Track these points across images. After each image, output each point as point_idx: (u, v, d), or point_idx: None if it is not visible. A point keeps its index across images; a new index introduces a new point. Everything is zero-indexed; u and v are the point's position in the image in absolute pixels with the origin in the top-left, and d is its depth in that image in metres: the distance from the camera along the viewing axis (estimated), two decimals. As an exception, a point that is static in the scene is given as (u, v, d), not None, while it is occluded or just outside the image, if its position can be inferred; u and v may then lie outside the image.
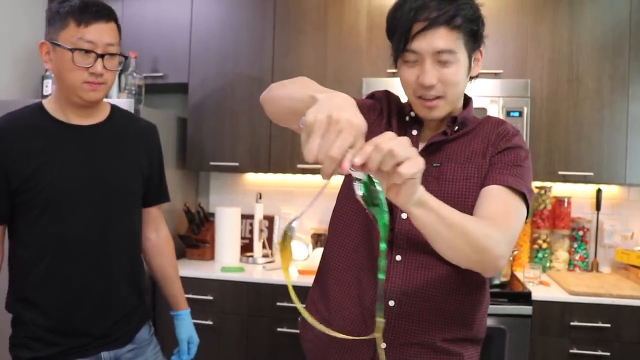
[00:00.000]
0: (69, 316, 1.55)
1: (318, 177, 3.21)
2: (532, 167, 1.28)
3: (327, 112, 0.85)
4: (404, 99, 1.37)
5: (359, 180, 0.86)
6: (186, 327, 1.89)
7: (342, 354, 1.33)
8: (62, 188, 1.52)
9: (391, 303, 1.26)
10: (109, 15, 1.53)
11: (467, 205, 1.22)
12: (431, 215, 0.95)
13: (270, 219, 3.42)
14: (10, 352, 1.58)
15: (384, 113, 1.37)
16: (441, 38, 1.16)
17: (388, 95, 1.41)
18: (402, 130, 1.32)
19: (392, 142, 0.84)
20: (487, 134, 1.29)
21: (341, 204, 1.44)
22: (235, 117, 3.19)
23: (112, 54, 1.53)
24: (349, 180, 1.26)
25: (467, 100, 1.35)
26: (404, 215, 1.25)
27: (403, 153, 0.84)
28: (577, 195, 3.15)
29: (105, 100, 1.67)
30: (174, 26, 3.26)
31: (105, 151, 1.62)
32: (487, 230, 1.05)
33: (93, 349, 1.58)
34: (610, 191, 3.14)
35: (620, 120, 2.81)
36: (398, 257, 1.27)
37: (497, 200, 1.17)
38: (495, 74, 2.85)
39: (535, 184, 3.13)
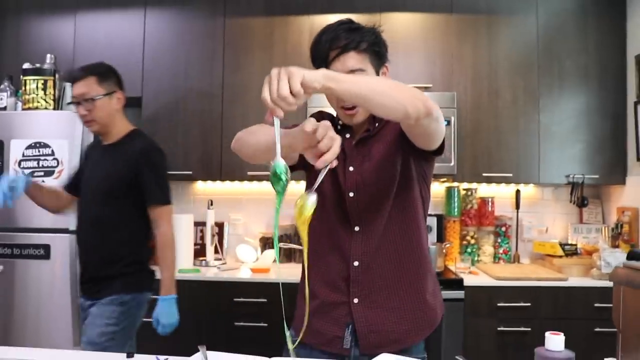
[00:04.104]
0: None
1: (267, 184, 3.43)
2: None
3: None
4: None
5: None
6: (158, 309, 2.24)
7: (323, 316, 1.58)
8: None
9: (355, 263, 1.55)
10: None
11: (392, 168, 1.54)
12: (346, 82, 1.17)
13: (220, 226, 3.59)
14: None
15: None
16: (352, 60, 1.47)
17: (321, 113, 1.73)
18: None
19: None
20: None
21: None
22: (187, 129, 3.38)
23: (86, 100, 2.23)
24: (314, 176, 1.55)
25: None
26: (351, 194, 1.56)
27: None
28: (500, 195, 3.56)
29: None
30: (126, 43, 3.43)
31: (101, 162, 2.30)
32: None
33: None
34: (527, 192, 3.56)
35: (533, 128, 3.24)
36: (356, 228, 1.56)
37: None
38: (425, 87, 3.22)
39: (462, 185, 3.51)
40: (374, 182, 1.55)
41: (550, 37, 3.27)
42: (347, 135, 1.61)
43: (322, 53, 1.49)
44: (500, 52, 3.29)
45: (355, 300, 1.54)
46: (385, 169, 1.55)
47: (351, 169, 1.57)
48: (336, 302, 1.56)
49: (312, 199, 1.18)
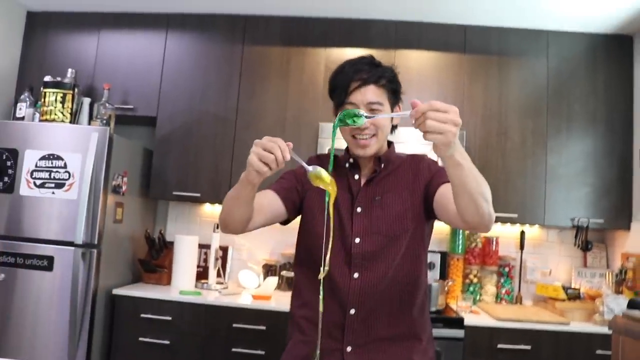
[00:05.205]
0: None
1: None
2: None
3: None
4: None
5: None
6: None
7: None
8: None
9: (352, 311, 1.54)
10: None
11: (405, 222, 1.57)
12: (463, 173, 1.23)
13: (224, 249, 3.61)
14: None
15: None
16: (371, 93, 1.53)
17: (318, 157, 1.76)
18: (344, 177, 1.64)
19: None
20: (414, 168, 1.65)
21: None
22: (199, 152, 3.43)
23: None
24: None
25: (390, 144, 1.72)
26: (357, 240, 1.56)
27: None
28: (504, 235, 3.56)
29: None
30: (146, 62, 3.52)
31: None
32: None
33: None
34: (532, 233, 3.57)
35: (540, 169, 3.26)
36: (355, 275, 1.56)
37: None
38: (436, 124, 3.25)
39: (468, 224, 3.51)
40: (384, 233, 1.56)
41: (560, 80, 3.33)
42: (356, 177, 1.64)
43: (345, 82, 1.54)
44: (511, 93, 3.34)
45: (349, 349, 1.54)
46: (399, 222, 1.57)
47: (359, 210, 1.58)
48: (330, 349, 1.54)
49: (313, 168, 1.32)
